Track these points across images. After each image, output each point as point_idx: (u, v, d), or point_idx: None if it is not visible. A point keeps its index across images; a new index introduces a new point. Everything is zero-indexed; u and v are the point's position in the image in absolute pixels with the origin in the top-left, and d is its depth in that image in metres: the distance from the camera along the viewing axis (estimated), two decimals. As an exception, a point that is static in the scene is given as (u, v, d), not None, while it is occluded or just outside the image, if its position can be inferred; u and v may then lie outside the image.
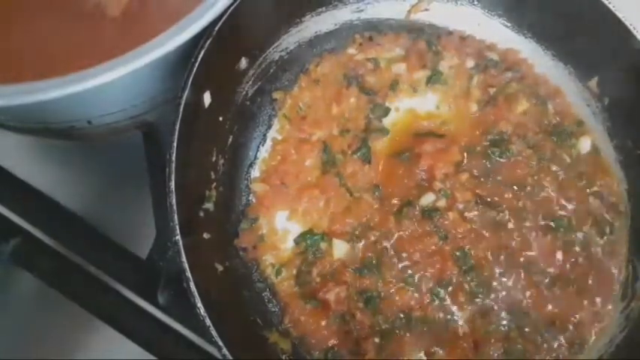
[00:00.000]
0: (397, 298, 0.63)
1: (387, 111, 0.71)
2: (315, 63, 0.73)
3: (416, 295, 0.63)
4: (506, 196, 0.67)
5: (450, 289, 0.63)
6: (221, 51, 0.60)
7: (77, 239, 0.74)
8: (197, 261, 0.54)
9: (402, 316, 0.62)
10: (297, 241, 0.66)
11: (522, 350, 0.62)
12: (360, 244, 0.65)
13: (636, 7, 0.68)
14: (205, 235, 0.61)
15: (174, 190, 0.54)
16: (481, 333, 0.62)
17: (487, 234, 0.65)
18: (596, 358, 0.63)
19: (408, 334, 0.61)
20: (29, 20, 0.60)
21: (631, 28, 0.65)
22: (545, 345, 0.62)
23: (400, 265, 0.64)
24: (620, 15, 0.65)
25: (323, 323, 0.62)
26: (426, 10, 0.77)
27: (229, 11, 0.59)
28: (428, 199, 0.66)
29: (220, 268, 0.62)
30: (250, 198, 0.68)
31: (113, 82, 0.51)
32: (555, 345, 0.62)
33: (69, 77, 0.51)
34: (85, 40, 0.59)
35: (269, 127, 0.71)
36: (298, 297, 0.63)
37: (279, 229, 0.66)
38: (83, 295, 0.70)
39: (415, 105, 0.72)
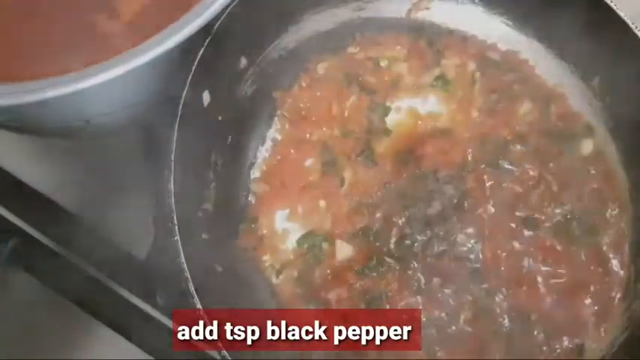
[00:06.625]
0: (399, 299, 0.62)
1: (388, 111, 0.71)
2: (315, 62, 0.72)
3: (419, 296, 0.62)
4: (509, 197, 0.66)
5: (454, 290, 0.63)
6: (220, 50, 0.60)
7: (75, 240, 0.73)
8: (196, 262, 0.54)
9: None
10: (299, 243, 0.65)
11: (524, 351, 0.61)
12: (364, 246, 0.65)
13: (638, 5, 0.68)
14: (204, 236, 0.61)
15: (173, 190, 0.54)
16: (483, 334, 0.62)
17: (492, 236, 0.65)
18: (598, 358, 0.62)
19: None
20: (29, 20, 0.60)
21: (633, 27, 0.64)
22: (546, 346, 0.62)
23: (403, 267, 0.63)
24: (621, 14, 0.65)
25: (324, 324, 0.62)
26: (427, 8, 0.76)
27: (228, 10, 0.58)
28: (433, 200, 0.65)
29: (220, 268, 0.62)
30: (250, 198, 0.68)
31: (111, 81, 0.50)
32: (557, 346, 0.62)
33: (67, 76, 0.50)
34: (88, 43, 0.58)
35: (269, 126, 0.70)
36: (299, 298, 0.63)
37: (279, 229, 0.66)
38: (81, 296, 0.70)
39: (416, 105, 0.72)
